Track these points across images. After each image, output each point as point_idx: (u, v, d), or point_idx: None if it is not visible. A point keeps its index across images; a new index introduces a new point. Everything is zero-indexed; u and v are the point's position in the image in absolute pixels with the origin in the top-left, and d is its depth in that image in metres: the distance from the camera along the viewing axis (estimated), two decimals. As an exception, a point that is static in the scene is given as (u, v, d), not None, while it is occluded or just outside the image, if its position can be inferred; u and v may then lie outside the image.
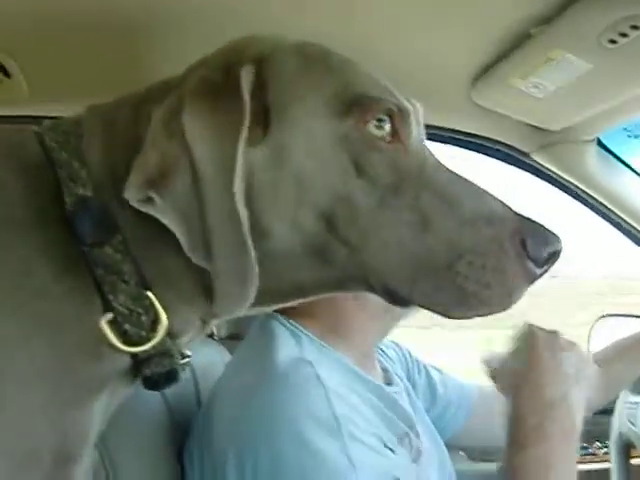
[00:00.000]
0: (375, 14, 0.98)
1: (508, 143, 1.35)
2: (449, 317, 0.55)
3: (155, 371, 0.54)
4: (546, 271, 0.53)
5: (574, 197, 1.43)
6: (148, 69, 1.16)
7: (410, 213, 0.53)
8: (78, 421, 0.51)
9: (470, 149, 1.36)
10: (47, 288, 0.49)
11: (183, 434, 0.89)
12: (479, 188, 0.56)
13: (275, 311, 0.90)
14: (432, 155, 0.58)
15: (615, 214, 1.41)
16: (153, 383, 0.54)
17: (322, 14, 0.96)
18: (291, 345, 0.86)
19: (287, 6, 0.94)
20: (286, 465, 0.72)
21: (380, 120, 0.54)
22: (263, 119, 0.52)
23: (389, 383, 0.99)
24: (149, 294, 0.52)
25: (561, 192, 1.42)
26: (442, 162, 0.59)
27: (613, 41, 0.87)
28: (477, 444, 1.29)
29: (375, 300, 0.86)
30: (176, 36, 1.05)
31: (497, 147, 1.36)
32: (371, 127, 0.54)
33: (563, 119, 1.20)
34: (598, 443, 1.63)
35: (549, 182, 1.42)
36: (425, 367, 1.18)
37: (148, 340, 0.52)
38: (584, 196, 1.41)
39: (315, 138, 0.53)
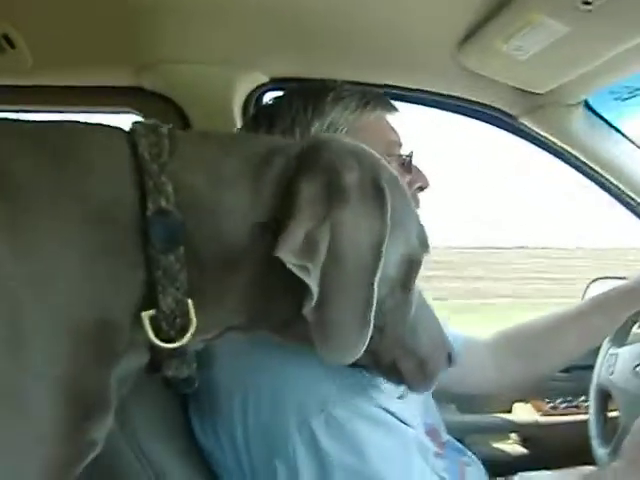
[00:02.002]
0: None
1: (496, 106, 1.39)
2: (412, 389, 0.81)
3: (175, 374, 0.64)
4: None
5: (563, 160, 1.47)
6: (148, 42, 1.21)
7: (414, 318, 0.75)
8: (101, 381, 0.59)
9: (458, 113, 1.40)
10: (106, 276, 0.57)
11: None
12: (434, 312, 0.81)
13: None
14: None
15: (602, 176, 1.45)
16: (173, 385, 0.65)
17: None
18: None
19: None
20: (284, 393, 0.78)
21: (426, 254, 0.75)
22: None
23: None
24: (189, 302, 0.60)
25: (550, 155, 1.47)
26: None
27: (587, 2, 0.91)
28: (460, 390, 1.36)
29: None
30: (176, 13, 1.10)
31: (485, 111, 1.40)
32: (422, 257, 0.74)
33: (547, 82, 1.24)
34: (583, 397, 1.69)
35: (537, 145, 1.45)
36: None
37: (174, 340, 0.61)
38: (572, 159, 1.45)
39: (399, 254, 0.70)
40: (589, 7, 0.91)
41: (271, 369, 0.81)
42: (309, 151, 0.66)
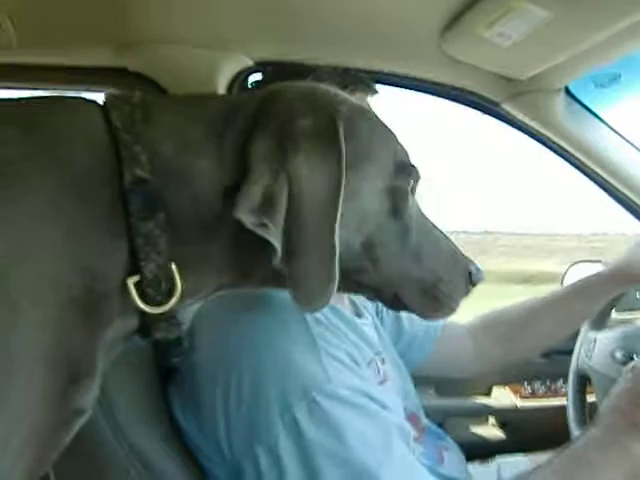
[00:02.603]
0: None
1: (479, 92, 1.40)
2: (422, 317, 0.80)
3: (165, 335, 0.64)
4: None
5: (545, 145, 1.49)
6: (132, 22, 1.21)
7: (416, 245, 0.75)
8: (89, 347, 0.60)
9: (442, 97, 1.42)
10: (92, 245, 0.59)
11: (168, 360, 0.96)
12: (443, 232, 0.79)
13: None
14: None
15: (582, 162, 1.46)
16: (162, 346, 0.68)
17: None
18: None
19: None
20: (267, 378, 0.78)
21: (412, 180, 0.74)
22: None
23: (357, 315, 1.06)
24: (172, 266, 0.62)
25: (532, 140, 1.48)
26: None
27: (568, -11, 0.92)
28: (440, 374, 1.38)
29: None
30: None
31: (469, 97, 1.41)
32: (408, 184, 0.74)
33: (529, 68, 1.25)
34: (561, 381, 1.72)
35: (520, 130, 1.47)
36: (393, 303, 1.25)
37: (161, 304, 0.62)
38: (554, 145, 1.46)
39: (376, 188, 0.70)
40: (570, -7, 0.92)
41: (253, 353, 0.81)
42: (263, 105, 0.67)
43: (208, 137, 0.64)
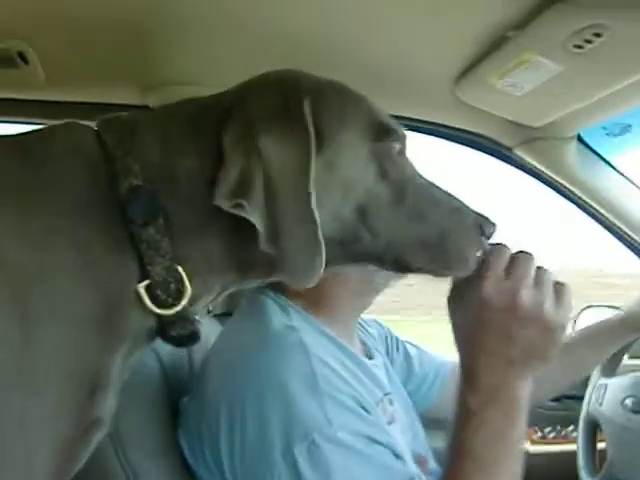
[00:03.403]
0: (367, 18, 1.06)
1: (492, 138, 1.43)
2: (437, 276, 0.76)
3: (180, 332, 0.66)
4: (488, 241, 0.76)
5: (556, 191, 1.51)
6: (154, 64, 1.25)
7: (413, 205, 0.72)
8: (107, 359, 0.63)
9: (456, 142, 1.45)
10: (101, 258, 0.62)
11: (176, 396, 0.98)
12: (446, 190, 0.76)
13: (265, 287, 0.98)
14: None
15: (593, 208, 1.48)
16: (179, 342, 0.67)
17: (315, 17, 1.05)
18: (280, 315, 0.94)
19: (278, 8, 1.03)
20: (269, 417, 0.80)
21: (395, 141, 0.73)
22: (316, 139, 0.66)
23: (369, 356, 1.08)
24: (179, 268, 0.64)
25: (544, 186, 1.50)
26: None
27: (579, 46, 0.95)
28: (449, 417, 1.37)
29: (354, 279, 0.96)
30: (181, 38, 1.14)
31: (482, 141, 1.44)
32: (391, 145, 0.73)
33: (541, 116, 1.28)
34: (572, 427, 1.71)
35: (532, 176, 1.50)
36: (403, 344, 1.26)
37: (174, 306, 0.64)
38: (565, 190, 1.48)
39: (356, 154, 0.70)
40: (581, 50, 0.95)
41: (259, 393, 0.82)
42: (235, 97, 0.69)
43: (187, 136, 0.67)
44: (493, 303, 0.76)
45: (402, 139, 0.75)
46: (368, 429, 0.83)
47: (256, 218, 0.62)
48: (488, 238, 0.75)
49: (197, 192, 0.65)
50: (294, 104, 0.66)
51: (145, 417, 0.94)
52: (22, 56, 1.18)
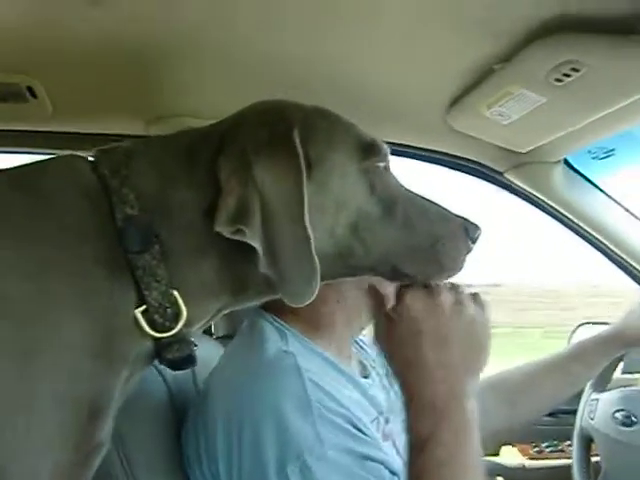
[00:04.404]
0: (362, 49, 1.12)
1: (483, 163, 1.49)
2: (431, 280, 0.80)
3: (177, 355, 0.69)
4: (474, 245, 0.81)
5: (546, 212, 1.56)
6: (158, 97, 1.30)
7: (402, 217, 0.76)
8: (108, 384, 0.66)
9: (447, 167, 1.50)
10: (99, 286, 0.65)
11: (182, 416, 1.02)
12: (429, 199, 0.81)
13: (263, 310, 1.02)
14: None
15: (582, 228, 1.53)
16: (175, 365, 0.71)
17: (310, 48, 1.11)
18: (277, 339, 0.97)
19: (277, 41, 1.08)
20: (265, 439, 0.83)
21: (381, 158, 0.78)
22: (307, 164, 0.70)
23: (365, 375, 1.11)
24: (175, 293, 0.67)
25: (533, 208, 1.55)
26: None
27: (559, 80, 1.01)
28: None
29: (350, 301, 0.99)
30: (185, 71, 1.19)
31: (473, 166, 1.50)
32: (377, 162, 0.77)
33: (528, 142, 1.34)
34: (569, 441, 1.74)
35: (523, 199, 1.55)
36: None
37: (171, 329, 0.67)
38: (554, 212, 1.54)
39: (345, 174, 0.74)
40: (561, 83, 1.01)
41: (254, 414, 0.85)
42: (228, 129, 0.73)
43: (182, 167, 0.71)
44: (419, 313, 0.81)
45: (386, 154, 0.79)
46: (361, 447, 0.85)
47: (256, 242, 0.66)
48: (474, 241, 0.80)
49: (192, 219, 0.69)
50: (284, 133, 0.69)
51: (152, 437, 0.97)
52: (31, 90, 1.23)
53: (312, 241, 0.67)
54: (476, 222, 0.80)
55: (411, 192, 0.80)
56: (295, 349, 0.95)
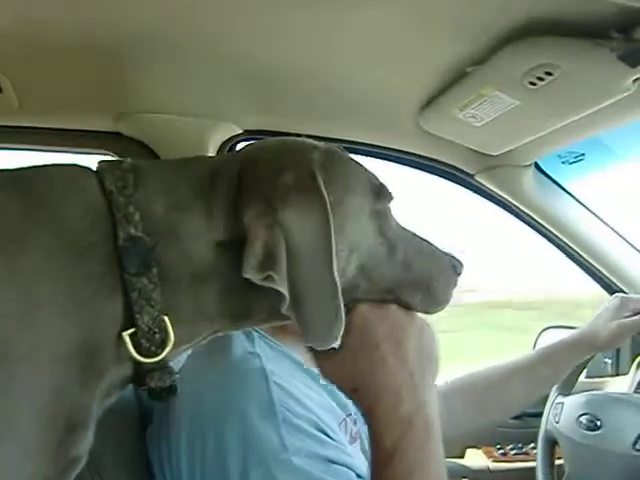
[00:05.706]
0: (334, 53, 1.11)
1: (454, 165, 1.49)
2: (425, 312, 0.86)
3: (158, 385, 0.67)
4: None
5: (515, 216, 1.57)
6: (126, 92, 1.27)
7: (403, 257, 0.81)
8: (86, 401, 0.63)
9: (418, 169, 1.50)
10: (87, 302, 0.62)
11: (148, 421, 1.00)
12: (423, 237, 0.86)
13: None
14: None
15: (550, 231, 1.55)
16: (156, 394, 0.69)
17: (283, 49, 1.09)
18: (243, 339, 0.95)
19: (254, 41, 1.06)
20: (228, 445, 0.81)
21: (389, 201, 0.81)
22: None
23: (334, 378, 1.10)
24: (165, 318, 0.65)
25: (503, 211, 1.57)
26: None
27: (533, 83, 1.01)
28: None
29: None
30: (153, 68, 1.16)
31: (444, 168, 1.50)
32: (387, 205, 0.80)
33: (500, 146, 1.34)
34: (533, 444, 1.75)
35: (492, 202, 1.56)
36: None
37: (156, 355, 0.66)
38: (523, 215, 1.55)
39: (360, 217, 0.77)
40: (535, 87, 1.01)
41: (217, 417, 0.83)
42: (244, 166, 0.72)
43: (196, 196, 0.69)
44: (370, 322, 0.84)
45: (392, 197, 0.82)
46: (326, 451, 0.84)
47: (283, 287, 0.65)
48: (459, 275, 0.88)
49: (199, 248, 0.67)
50: (309, 179, 0.70)
51: (121, 448, 0.94)
52: (-4, 84, 1.19)
53: (339, 286, 0.68)
54: (460, 259, 0.87)
55: (407, 231, 0.84)
56: (261, 350, 0.93)
